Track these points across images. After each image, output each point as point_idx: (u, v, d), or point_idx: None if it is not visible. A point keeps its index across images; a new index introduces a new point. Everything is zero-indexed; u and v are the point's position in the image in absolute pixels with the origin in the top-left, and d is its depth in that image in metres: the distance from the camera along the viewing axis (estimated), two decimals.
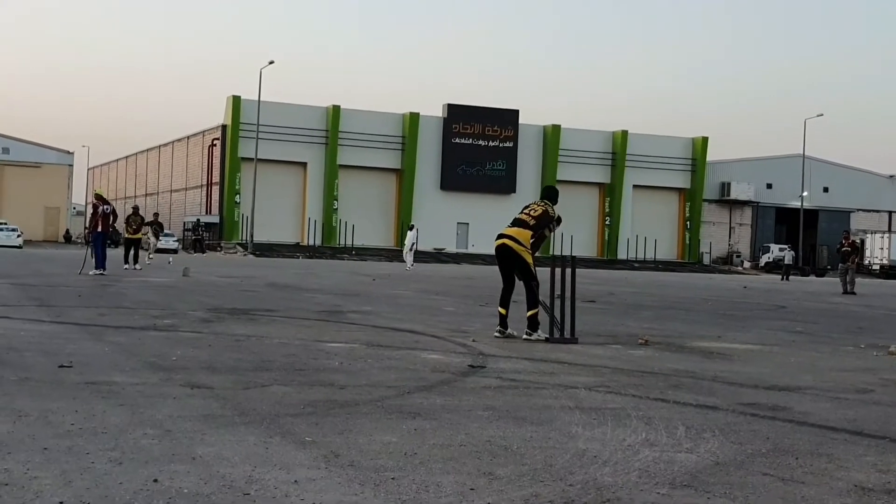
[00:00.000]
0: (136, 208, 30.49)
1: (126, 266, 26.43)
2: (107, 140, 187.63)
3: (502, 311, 10.98)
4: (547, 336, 10.58)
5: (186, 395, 6.15)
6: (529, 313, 10.71)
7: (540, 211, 11.08)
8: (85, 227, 32.81)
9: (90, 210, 24.81)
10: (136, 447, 4.64)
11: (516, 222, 11.07)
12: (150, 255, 34.04)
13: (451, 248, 70.49)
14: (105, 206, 23.55)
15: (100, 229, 23.02)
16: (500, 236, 11.07)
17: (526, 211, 11.21)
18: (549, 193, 11.58)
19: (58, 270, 24.24)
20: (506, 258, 10.99)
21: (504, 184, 73.83)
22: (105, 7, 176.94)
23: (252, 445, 4.77)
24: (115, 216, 24.53)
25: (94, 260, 22.58)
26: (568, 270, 10.87)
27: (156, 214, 39.56)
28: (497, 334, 10.78)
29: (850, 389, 7.63)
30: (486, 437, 5.18)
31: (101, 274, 21.83)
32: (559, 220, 11.32)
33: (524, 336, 10.63)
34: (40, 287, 17.23)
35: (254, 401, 6.01)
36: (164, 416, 5.41)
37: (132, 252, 27.29)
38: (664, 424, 5.73)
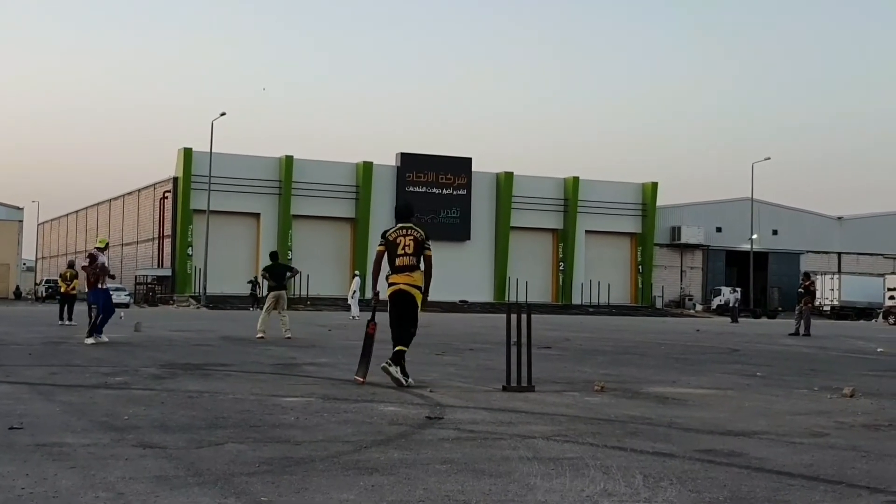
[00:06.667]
0: (71, 262, 30.22)
1: (60, 322, 26.24)
2: (57, 195, 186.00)
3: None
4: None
5: (139, 455, 6.05)
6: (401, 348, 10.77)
7: (412, 243, 10.87)
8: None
9: (84, 262, 19.21)
10: None
11: (405, 268, 10.87)
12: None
13: None
14: (104, 259, 18.93)
15: (101, 285, 18.42)
16: (396, 283, 10.93)
17: (403, 250, 10.88)
18: (404, 213, 11.25)
19: (8, 329, 23.84)
20: (402, 303, 10.94)
21: (458, 231, 74.09)
22: (52, 60, 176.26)
23: None
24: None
25: (92, 324, 18.04)
26: (524, 317, 10.87)
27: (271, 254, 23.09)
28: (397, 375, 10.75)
29: (806, 433, 7.68)
30: (445, 492, 5.14)
31: (100, 340, 17.65)
32: (428, 235, 11.12)
33: (385, 365, 10.66)
34: None
35: (208, 460, 5.92)
36: (117, 478, 5.31)
37: (66, 308, 27.10)
38: (622, 473, 5.73)
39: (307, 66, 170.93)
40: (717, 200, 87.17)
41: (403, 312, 10.94)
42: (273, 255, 22.30)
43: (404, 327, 10.92)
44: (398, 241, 10.91)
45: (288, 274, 21.86)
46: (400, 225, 11.07)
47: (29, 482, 5.15)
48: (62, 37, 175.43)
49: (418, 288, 10.90)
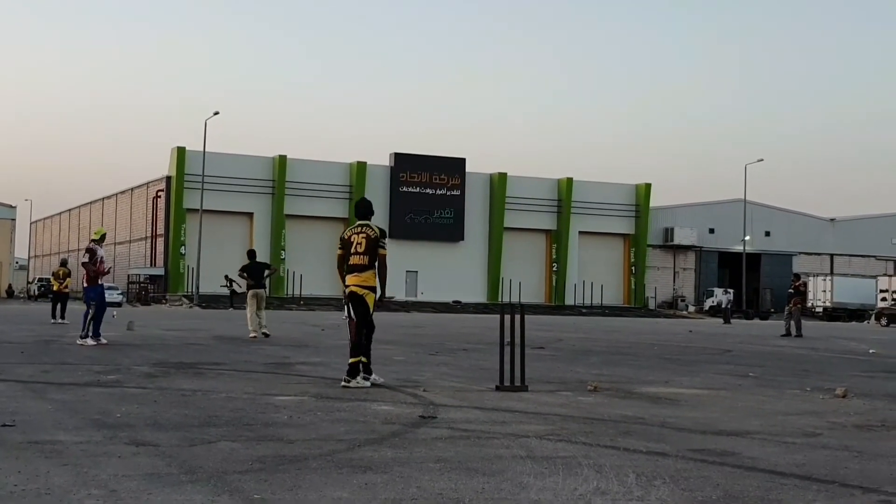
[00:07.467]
0: (64, 261, 30.25)
1: (53, 321, 26.24)
2: (50, 193, 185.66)
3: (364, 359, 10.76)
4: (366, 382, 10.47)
5: (132, 453, 6.04)
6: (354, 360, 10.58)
7: (364, 242, 10.64)
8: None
9: (83, 256, 17.60)
10: None
11: (355, 268, 10.64)
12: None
13: (401, 296, 70.31)
14: (102, 252, 17.63)
15: (100, 281, 17.44)
16: (349, 284, 10.71)
17: (355, 249, 10.66)
18: (361, 212, 11.03)
19: (0, 327, 23.80)
20: (354, 304, 10.72)
21: (452, 231, 74.07)
22: (44, 59, 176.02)
23: None
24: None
25: (86, 322, 16.94)
26: (517, 317, 10.88)
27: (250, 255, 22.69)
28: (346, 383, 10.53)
29: (798, 433, 7.69)
30: (438, 490, 5.14)
31: (101, 343, 16.75)
32: (384, 233, 10.83)
33: (343, 384, 10.44)
34: None
35: (200, 458, 5.91)
36: (109, 475, 5.30)
37: (59, 306, 27.11)
38: (615, 472, 5.73)
39: (302, 66, 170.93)
40: (710, 202, 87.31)
41: (356, 314, 10.72)
42: (251, 254, 22.06)
43: (357, 332, 10.69)
44: (352, 239, 10.74)
45: (266, 272, 21.74)
46: (357, 223, 10.92)
47: (21, 479, 5.13)
48: (56, 35, 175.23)
49: (369, 289, 10.66)
